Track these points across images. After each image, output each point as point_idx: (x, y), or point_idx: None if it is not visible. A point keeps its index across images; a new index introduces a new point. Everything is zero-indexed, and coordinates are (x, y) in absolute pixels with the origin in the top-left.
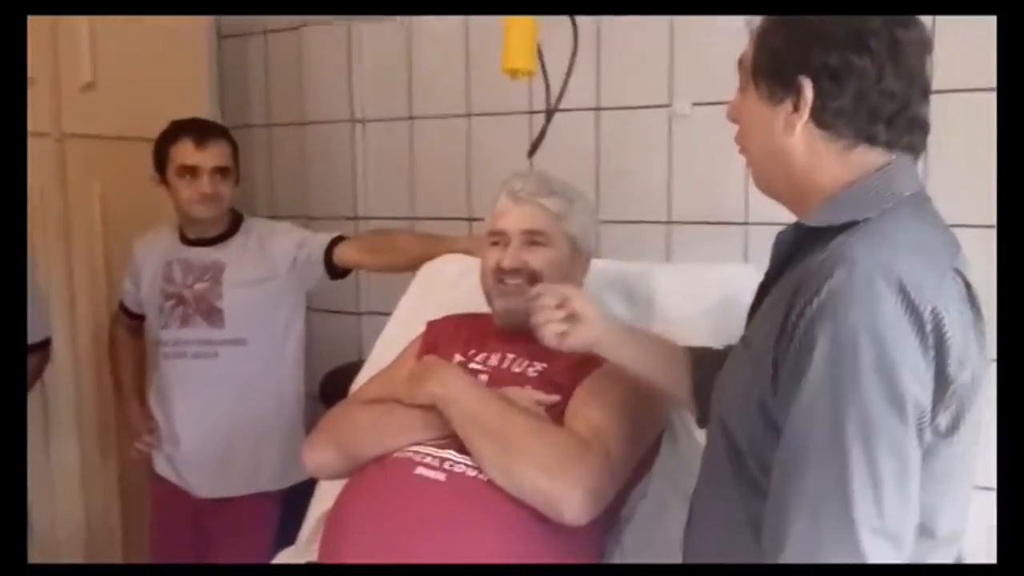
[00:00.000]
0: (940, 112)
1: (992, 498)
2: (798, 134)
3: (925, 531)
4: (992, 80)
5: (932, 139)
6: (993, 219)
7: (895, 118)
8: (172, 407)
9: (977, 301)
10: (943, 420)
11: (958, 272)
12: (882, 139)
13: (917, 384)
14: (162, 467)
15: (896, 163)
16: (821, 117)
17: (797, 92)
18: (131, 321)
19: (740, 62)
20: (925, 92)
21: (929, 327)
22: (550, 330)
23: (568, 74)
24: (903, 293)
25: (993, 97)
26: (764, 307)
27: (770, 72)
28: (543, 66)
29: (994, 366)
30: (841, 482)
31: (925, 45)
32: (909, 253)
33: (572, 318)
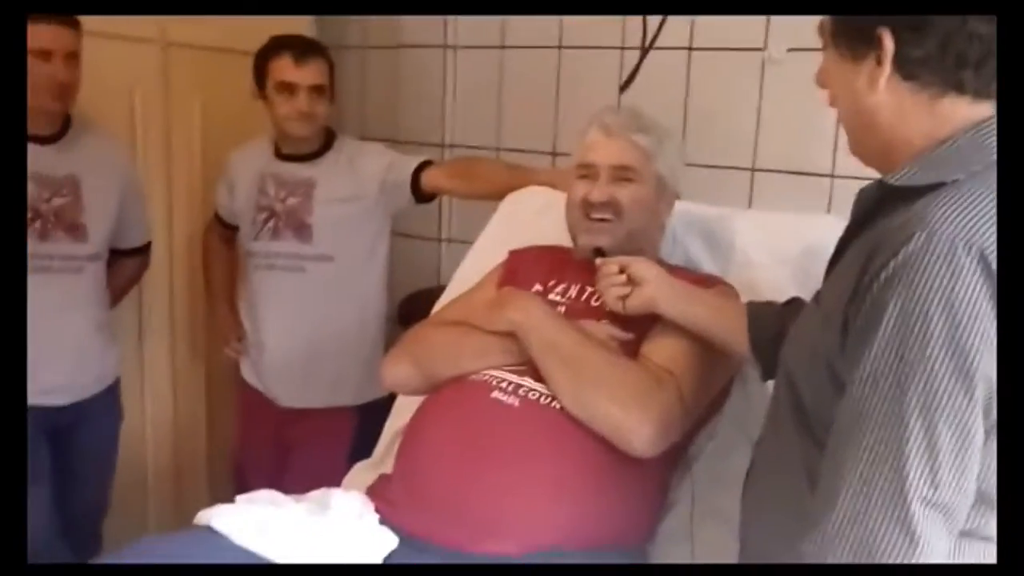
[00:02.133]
0: None
1: None
2: (882, 88)
3: (987, 499)
4: None
5: None
6: None
7: (983, 62)
8: (260, 317)
9: None
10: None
11: None
12: (971, 86)
13: (990, 359)
14: (248, 374)
15: (990, 122)
16: (904, 67)
17: (878, 44)
18: (224, 230)
19: (820, 26)
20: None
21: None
22: (612, 294)
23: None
24: (983, 263)
25: None
26: (841, 265)
27: (849, 28)
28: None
29: None
30: (897, 451)
31: None
32: (994, 221)
33: (632, 282)
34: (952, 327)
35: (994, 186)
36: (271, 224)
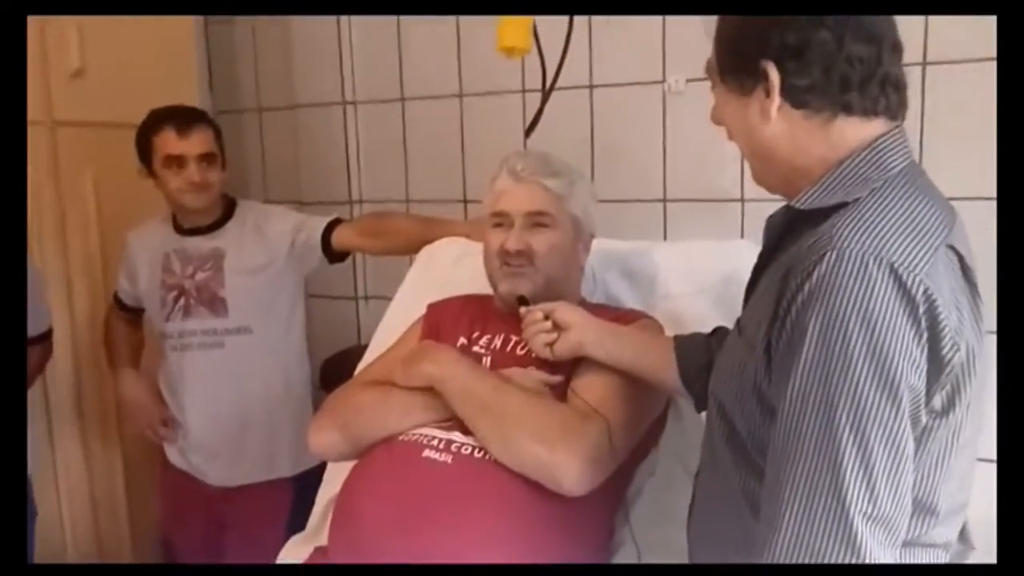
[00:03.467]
0: (935, 84)
1: (992, 469)
2: (775, 118)
3: (925, 508)
4: (989, 51)
5: (928, 111)
6: (992, 191)
7: (867, 82)
8: (182, 399)
9: (972, 275)
10: (938, 400)
11: (951, 248)
12: (859, 106)
13: (911, 369)
14: (174, 456)
15: (885, 138)
16: (793, 96)
17: (764, 77)
18: (127, 314)
19: (707, 66)
20: (895, 48)
21: (922, 309)
22: (539, 341)
23: (564, 52)
24: (894, 276)
25: (989, 67)
26: (757, 291)
27: (734, 64)
28: (539, 45)
29: (993, 339)
30: (833, 468)
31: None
32: (899, 233)
33: (557, 327)
34: (871, 341)
35: (896, 199)
36: (182, 302)
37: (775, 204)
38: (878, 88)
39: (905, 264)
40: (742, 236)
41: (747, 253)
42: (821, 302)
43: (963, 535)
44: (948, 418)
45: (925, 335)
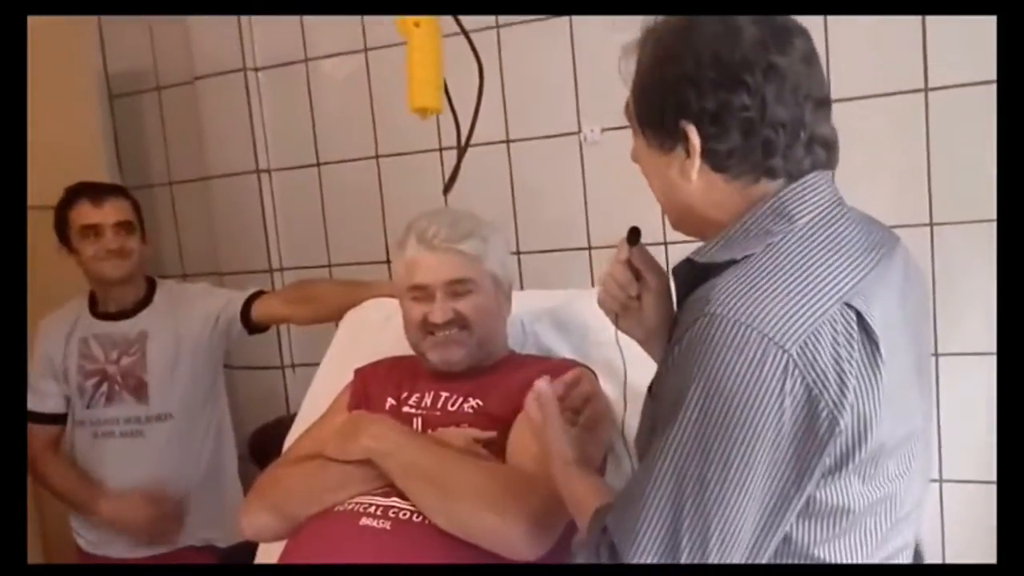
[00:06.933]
0: (870, 117)
1: (935, 489)
2: (695, 179)
3: (818, 562)
4: (920, 81)
5: (847, 145)
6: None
7: (791, 146)
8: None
9: (872, 332)
10: (820, 464)
11: (848, 306)
12: (783, 171)
13: (769, 443)
14: (93, 546)
15: (795, 187)
16: (714, 160)
17: (684, 138)
18: (53, 430)
19: (626, 110)
20: (821, 104)
21: (790, 383)
22: (612, 303)
23: (477, 108)
24: (763, 346)
25: (923, 97)
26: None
27: (653, 122)
28: (450, 102)
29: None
30: (674, 536)
31: (810, 58)
32: (779, 298)
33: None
34: (730, 411)
35: (791, 256)
36: (104, 389)
37: (697, 244)
38: (803, 150)
39: (777, 334)
40: (671, 279)
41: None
42: (686, 367)
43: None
44: (836, 485)
45: (799, 406)
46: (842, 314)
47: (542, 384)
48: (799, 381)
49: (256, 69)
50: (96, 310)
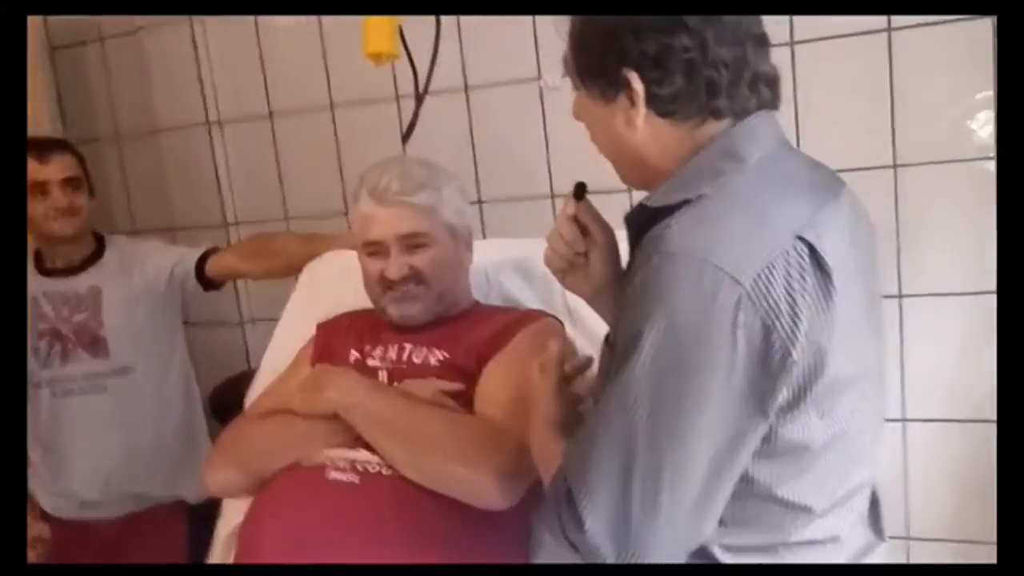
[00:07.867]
0: (815, 61)
1: (898, 428)
2: (641, 126)
3: (794, 506)
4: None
5: (811, 87)
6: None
7: (735, 85)
8: (64, 449)
9: (825, 264)
10: (775, 404)
11: (801, 239)
12: (728, 111)
13: (722, 376)
14: (56, 508)
15: (742, 126)
16: (658, 105)
17: (627, 86)
18: None
19: (564, 62)
20: (761, 42)
21: (743, 317)
22: (557, 260)
23: (434, 56)
24: (717, 281)
25: (874, 39)
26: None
27: (594, 72)
28: (407, 48)
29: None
30: (626, 473)
31: None
32: (733, 235)
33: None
34: (685, 349)
35: (743, 193)
36: (58, 347)
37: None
38: (748, 89)
39: (731, 267)
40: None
41: None
42: (640, 306)
43: (875, 525)
44: (795, 421)
45: (748, 341)
46: (795, 247)
47: (555, 346)
48: (752, 313)
49: (203, 17)
50: (43, 267)
